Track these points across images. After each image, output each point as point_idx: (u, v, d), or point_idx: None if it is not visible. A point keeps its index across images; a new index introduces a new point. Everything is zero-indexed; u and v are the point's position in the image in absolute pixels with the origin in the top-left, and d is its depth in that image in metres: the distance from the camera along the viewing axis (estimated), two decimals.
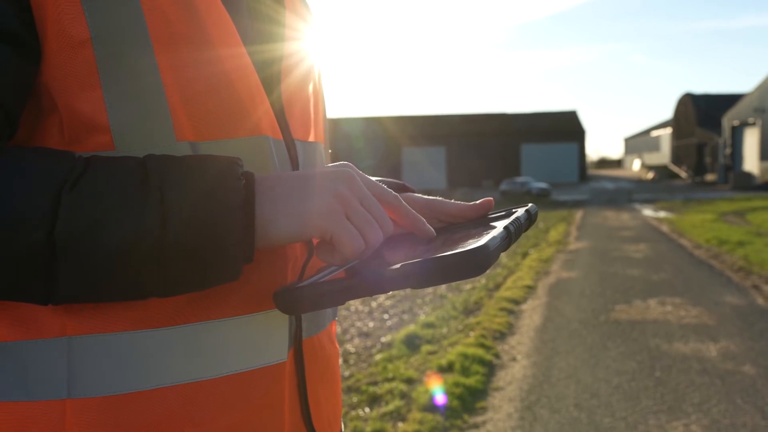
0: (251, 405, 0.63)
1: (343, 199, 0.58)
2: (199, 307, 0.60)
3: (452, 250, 0.54)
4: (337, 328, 5.67)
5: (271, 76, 0.69)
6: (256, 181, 0.58)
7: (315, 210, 0.57)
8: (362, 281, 0.57)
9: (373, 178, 0.88)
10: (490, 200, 0.78)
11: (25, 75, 0.55)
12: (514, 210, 0.74)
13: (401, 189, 0.84)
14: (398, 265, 0.54)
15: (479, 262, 0.53)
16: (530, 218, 0.73)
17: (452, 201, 0.79)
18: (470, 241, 0.55)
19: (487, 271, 8.63)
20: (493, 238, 0.57)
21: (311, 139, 0.76)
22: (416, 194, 0.81)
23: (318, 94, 0.82)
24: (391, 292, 5.87)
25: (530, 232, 14.08)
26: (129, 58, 0.56)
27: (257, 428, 0.64)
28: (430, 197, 0.80)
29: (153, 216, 0.52)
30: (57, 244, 0.50)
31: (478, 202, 0.78)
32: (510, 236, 0.63)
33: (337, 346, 0.83)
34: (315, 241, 0.69)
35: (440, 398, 3.65)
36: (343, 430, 0.83)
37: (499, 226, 0.63)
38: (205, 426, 0.60)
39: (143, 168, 0.54)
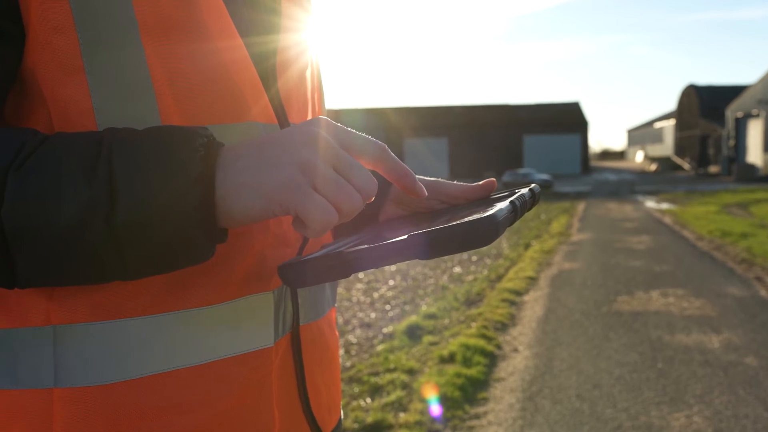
0: (239, 391, 0.62)
1: (308, 167, 0.52)
2: (182, 294, 0.58)
3: (459, 221, 0.54)
4: (339, 319, 5.68)
5: (267, 69, 0.67)
6: (221, 153, 0.54)
7: (274, 184, 0.52)
8: (368, 252, 0.55)
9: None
10: (492, 181, 0.77)
11: (5, 61, 0.54)
12: (516, 190, 0.74)
13: None
14: (405, 236, 0.53)
15: (487, 231, 0.52)
16: (534, 197, 0.73)
17: (454, 182, 0.79)
18: (476, 215, 0.55)
19: (490, 263, 8.61)
20: (500, 209, 0.56)
21: None
22: (419, 176, 0.81)
23: (316, 83, 0.80)
24: (392, 283, 5.82)
25: (532, 223, 14.07)
26: (114, 43, 0.55)
27: (247, 414, 0.63)
28: (432, 178, 0.80)
29: (101, 192, 0.49)
30: (4, 226, 0.48)
31: (480, 182, 0.77)
32: (516, 210, 0.62)
33: (337, 333, 0.82)
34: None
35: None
36: (342, 418, 0.82)
37: (505, 201, 0.62)
38: (194, 413, 0.59)
39: (98, 142, 0.51)
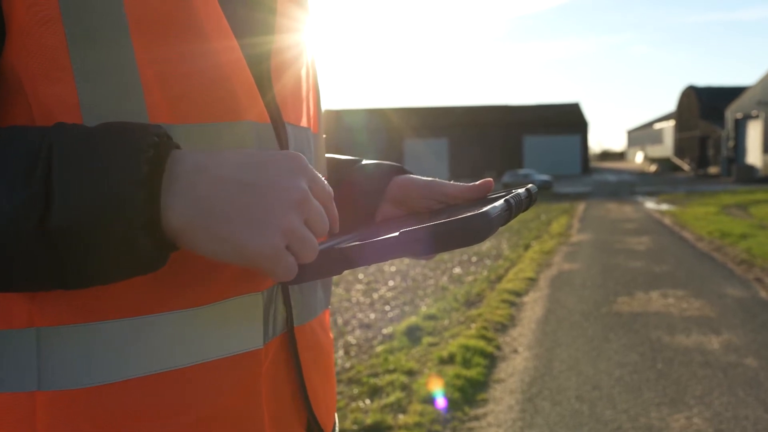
0: (227, 394, 0.61)
1: (291, 233, 0.51)
2: (168, 296, 0.57)
3: (453, 218, 0.53)
4: (339, 320, 5.67)
5: (262, 70, 0.66)
6: (176, 157, 0.51)
7: (255, 250, 0.50)
8: (361, 249, 0.55)
9: (373, 162, 0.86)
10: (489, 181, 0.77)
11: None
12: (513, 190, 0.74)
13: (399, 172, 0.84)
14: (397, 233, 0.53)
15: (479, 229, 0.52)
16: (531, 197, 0.73)
17: (451, 182, 0.79)
18: (469, 213, 0.55)
19: (490, 263, 8.60)
20: (494, 207, 0.56)
21: (303, 124, 0.74)
22: (416, 176, 0.81)
23: (311, 83, 0.79)
24: (392, 284, 5.83)
25: (532, 224, 14.06)
26: (102, 39, 0.53)
27: (236, 417, 0.62)
28: (430, 178, 0.80)
29: (37, 194, 0.46)
30: None
31: (477, 182, 0.77)
32: (510, 209, 0.62)
33: (331, 336, 0.81)
34: None
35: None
36: (336, 423, 0.81)
37: (500, 200, 0.62)
38: (182, 416, 0.58)
39: (42, 138, 0.48)
